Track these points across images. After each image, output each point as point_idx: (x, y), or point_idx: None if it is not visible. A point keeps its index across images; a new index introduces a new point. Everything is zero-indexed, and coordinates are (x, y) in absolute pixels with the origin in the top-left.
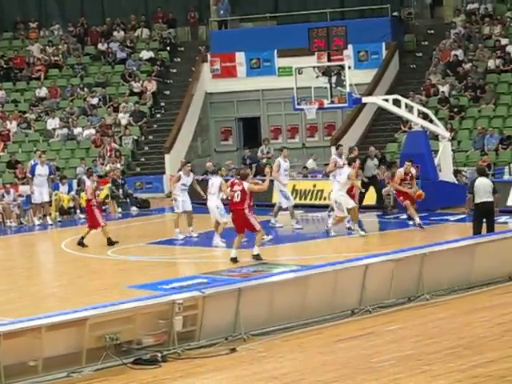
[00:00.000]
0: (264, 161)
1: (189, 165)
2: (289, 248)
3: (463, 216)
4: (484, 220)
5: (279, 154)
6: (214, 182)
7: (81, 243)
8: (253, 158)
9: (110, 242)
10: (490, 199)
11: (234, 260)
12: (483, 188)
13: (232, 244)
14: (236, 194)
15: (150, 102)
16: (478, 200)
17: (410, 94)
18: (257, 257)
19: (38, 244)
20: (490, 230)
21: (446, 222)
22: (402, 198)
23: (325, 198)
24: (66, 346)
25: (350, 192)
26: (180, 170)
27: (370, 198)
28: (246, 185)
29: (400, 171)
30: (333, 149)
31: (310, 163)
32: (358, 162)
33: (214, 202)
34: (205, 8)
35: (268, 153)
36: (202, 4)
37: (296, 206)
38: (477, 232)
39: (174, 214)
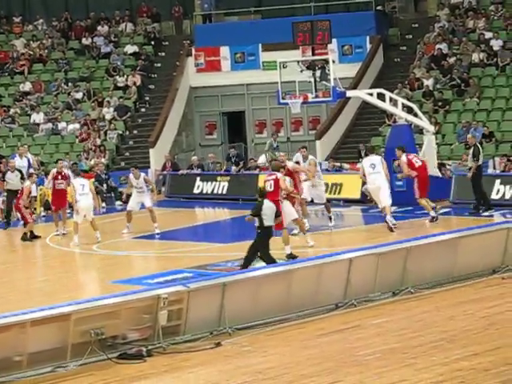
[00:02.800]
0: (277, 154)
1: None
2: (273, 242)
3: (447, 210)
4: None
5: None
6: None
7: (25, 238)
8: (239, 155)
9: (33, 236)
10: None
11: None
12: None
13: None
14: (269, 184)
15: (135, 97)
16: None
17: (398, 87)
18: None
19: None
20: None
21: (430, 216)
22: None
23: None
24: (51, 341)
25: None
26: (165, 164)
27: (354, 191)
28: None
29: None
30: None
31: (297, 157)
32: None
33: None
34: (189, 2)
35: (277, 147)
36: None
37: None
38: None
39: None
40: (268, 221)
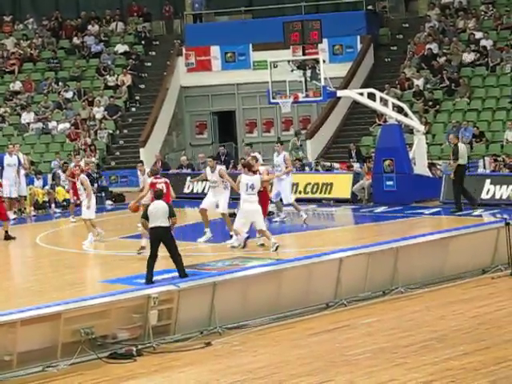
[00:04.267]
0: (301, 153)
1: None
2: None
3: (437, 209)
4: None
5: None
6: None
7: (7, 237)
8: (229, 154)
9: (7, 237)
10: None
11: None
12: None
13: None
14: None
15: (125, 96)
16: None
17: (386, 87)
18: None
19: None
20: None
21: (420, 216)
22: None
23: (300, 192)
24: (41, 341)
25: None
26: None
27: (345, 191)
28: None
29: None
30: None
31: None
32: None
33: None
34: (179, 2)
35: (301, 146)
36: None
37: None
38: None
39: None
40: (154, 222)
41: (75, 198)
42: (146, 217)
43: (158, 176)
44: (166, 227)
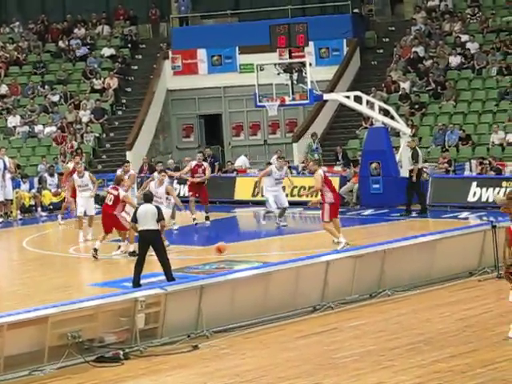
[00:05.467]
0: (316, 156)
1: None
2: (250, 245)
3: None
4: None
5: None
6: None
7: None
8: (215, 156)
9: None
10: None
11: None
12: None
13: None
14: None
15: (112, 99)
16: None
17: (372, 90)
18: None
19: None
20: None
21: (406, 218)
22: None
23: (286, 195)
24: (28, 344)
25: None
26: (142, 167)
27: None
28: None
29: None
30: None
31: (275, 159)
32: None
33: None
34: (166, 5)
35: (317, 148)
36: (163, 1)
37: (259, 203)
38: None
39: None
40: (143, 225)
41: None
42: (135, 220)
43: (116, 187)
44: (155, 230)
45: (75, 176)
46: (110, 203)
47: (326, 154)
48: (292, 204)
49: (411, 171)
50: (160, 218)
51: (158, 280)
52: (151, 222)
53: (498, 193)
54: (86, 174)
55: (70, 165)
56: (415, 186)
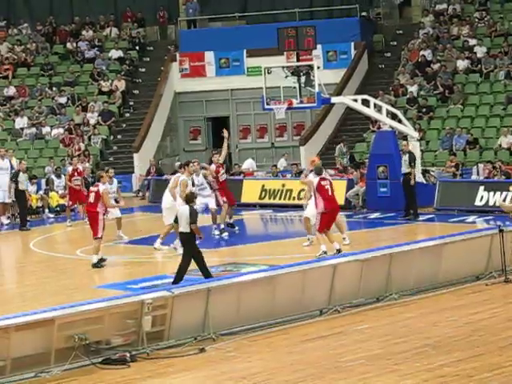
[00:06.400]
0: (345, 160)
1: (111, 171)
2: (257, 248)
3: (431, 216)
4: None
5: None
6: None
7: None
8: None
9: None
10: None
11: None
12: None
13: None
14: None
15: (119, 102)
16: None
17: (380, 94)
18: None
19: (6, 244)
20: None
21: (414, 222)
22: None
23: (294, 198)
24: (35, 346)
25: None
26: (149, 169)
27: (339, 197)
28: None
29: None
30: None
31: (282, 162)
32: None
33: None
34: (174, 7)
35: (346, 152)
36: (171, 3)
37: (265, 206)
38: None
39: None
40: (181, 227)
41: (70, 202)
42: (176, 221)
43: (97, 184)
44: (186, 233)
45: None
46: (92, 200)
47: (334, 158)
48: (299, 207)
49: (409, 174)
50: (192, 220)
51: (166, 282)
52: (184, 224)
53: (504, 200)
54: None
55: (80, 166)
56: (412, 190)
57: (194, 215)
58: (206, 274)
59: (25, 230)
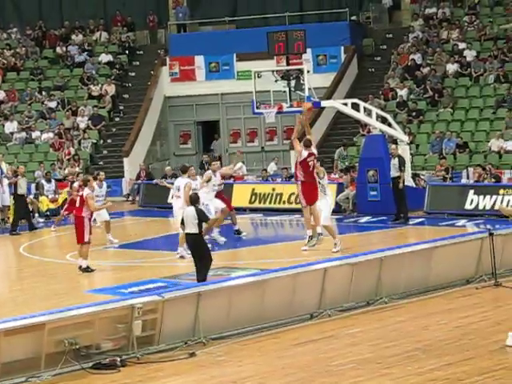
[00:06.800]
0: (347, 163)
1: (102, 174)
2: (247, 252)
3: (421, 220)
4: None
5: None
6: (181, 183)
7: None
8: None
9: None
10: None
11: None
12: None
13: None
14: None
15: (109, 106)
16: None
17: (369, 97)
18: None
19: None
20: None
21: (404, 226)
22: None
23: (284, 202)
24: (25, 351)
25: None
26: (139, 173)
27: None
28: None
29: None
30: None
31: (272, 166)
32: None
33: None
34: (164, 11)
35: (347, 156)
36: (161, 7)
37: (255, 210)
38: None
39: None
40: (187, 228)
41: (66, 212)
42: (182, 222)
43: (82, 187)
44: (193, 234)
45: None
46: (78, 205)
47: (323, 162)
48: (293, 211)
49: (398, 178)
50: (203, 219)
51: (156, 287)
52: (191, 225)
53: (502, 202)
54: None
55: (67, 171)
56: (400, 194)
57: (201, 214)
58: (202, 278)
59: (15, 234)
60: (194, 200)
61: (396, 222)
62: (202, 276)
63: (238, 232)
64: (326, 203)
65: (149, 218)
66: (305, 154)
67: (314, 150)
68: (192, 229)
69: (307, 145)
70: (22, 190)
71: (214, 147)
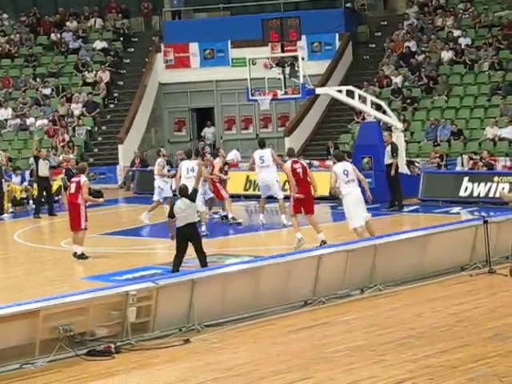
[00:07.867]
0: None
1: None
2: (241, 239)
3: (416, 207)
4: None
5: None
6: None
7: None
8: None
9: None
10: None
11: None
12: None
13: None
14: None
15: (104, 93)
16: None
17: (365, 85)
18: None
19: None
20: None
21: (398, 213)
22: None
23: None
24: (19, 338)
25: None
26: (134, 160)
27: (323, 189)
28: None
29: None
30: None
31: (235, 154)
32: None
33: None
34: None
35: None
36: None
37: (249, 197)
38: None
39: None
40: (184, 220)
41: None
42: (172, 216)
43: (79, 174)
44: (193, 222)
45: None
46: (73, 191)
47: (318, 149)
48: (284, 198)
49: (390, 165)
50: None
51: (150, 273)
52: (189, 215)
53: (503, 188)
54: None
55: (61, 158)
56: (393, 181)
57: (194, 196)
58: (204, 263)
59: (37, 217)
60: (183, 191)
61: (390, 209)
62: (204, 263)
63: (226, 217)
64: (345, 205)
65: (143, 204)
66: (289, 163)
67: (299, 159)
68: (189, 219)
69: (290, 154)
70: (42, 172)
71: (204, 134)
